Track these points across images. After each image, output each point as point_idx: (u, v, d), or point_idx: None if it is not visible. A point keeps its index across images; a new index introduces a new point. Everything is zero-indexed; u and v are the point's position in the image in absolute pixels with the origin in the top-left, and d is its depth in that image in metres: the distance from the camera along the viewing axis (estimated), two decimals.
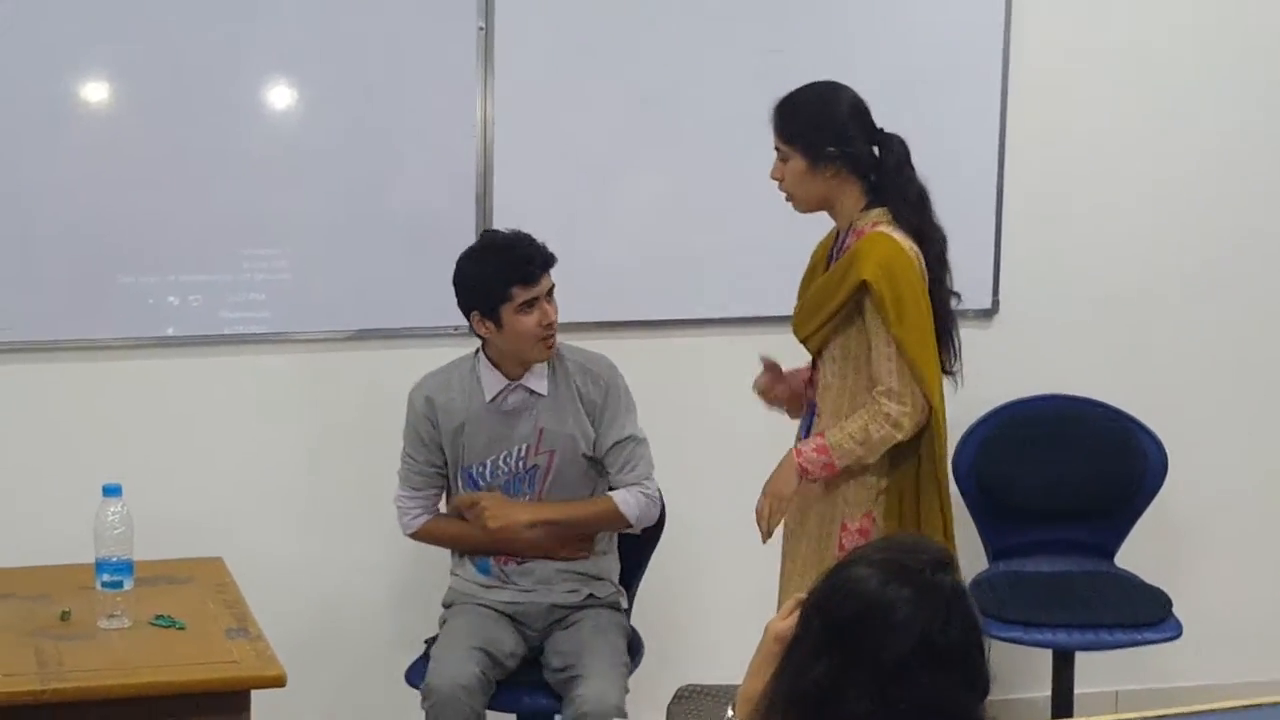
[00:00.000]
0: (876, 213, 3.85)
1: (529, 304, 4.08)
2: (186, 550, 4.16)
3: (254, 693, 3.42)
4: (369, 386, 4.74)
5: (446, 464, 4.27)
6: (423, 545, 4.42)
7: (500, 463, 4.24)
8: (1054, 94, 5.20)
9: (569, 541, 4.26)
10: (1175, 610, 4.77)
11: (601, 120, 4.80)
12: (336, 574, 4.77)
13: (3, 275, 4.41)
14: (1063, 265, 5.28)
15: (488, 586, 4.26)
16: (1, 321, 4.42)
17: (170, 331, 4.59)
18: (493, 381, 4.21)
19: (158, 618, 3.60)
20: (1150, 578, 4.94)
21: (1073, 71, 5.20)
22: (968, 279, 5.11)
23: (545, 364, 4.20)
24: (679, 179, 4.90)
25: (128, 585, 3.66)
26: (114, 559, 3.66)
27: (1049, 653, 4.80)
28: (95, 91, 4.49)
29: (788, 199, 3.91)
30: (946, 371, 3.98)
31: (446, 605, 4.31)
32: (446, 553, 4.42)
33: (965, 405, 5.00)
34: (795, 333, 4.00)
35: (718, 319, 4.97)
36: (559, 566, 4.25)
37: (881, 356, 3.80)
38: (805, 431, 4.01)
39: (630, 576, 4.47)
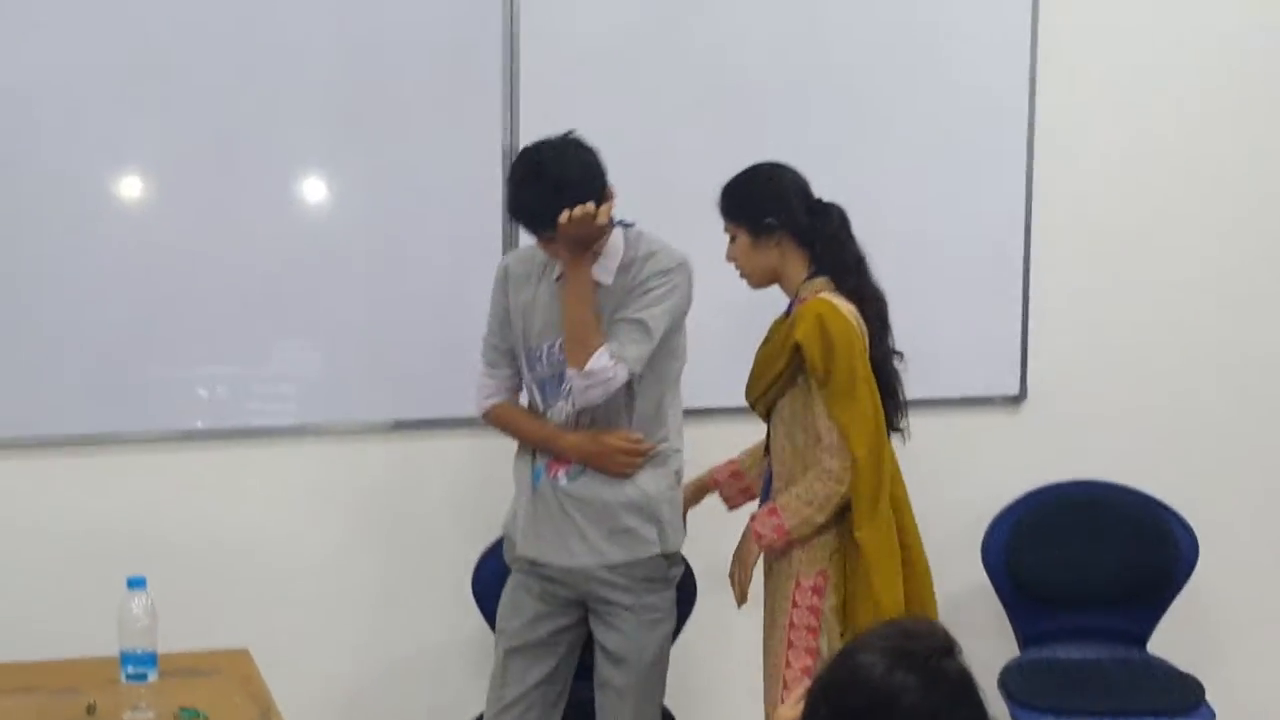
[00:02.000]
0: (819, 281, 4.04)
1: None
2: (213, 643, 4.16)
3: None
4: (400, 478, 4.76)
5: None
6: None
7: (557, 350, 4.08)
8: (1082, 173, 5.24)
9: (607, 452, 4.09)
10: (1208, 697, 4.73)
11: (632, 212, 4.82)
12: (365, 667, 4.77)
13: (29, 367, 4.43)
14: (1092, 351, 5.29)
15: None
16: (28, 415, 4.45)
17: (198, 425, 4.61)
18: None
19: (183, 710, 3.59)
20: (1183, 664, 4.90)
21: (1102, 149, 5.24)
22: (995, 365, 5.20)
23: (620, 254, 4.05)
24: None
25: (152, 677, 3.67)
26: (138, 651, 3.66)
27: None
28: (125, 185, 4.53)
29: (741, 276, 4.10)
30: (893, 428, 4.11)
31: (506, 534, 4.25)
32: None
33: (994, 491, 5.01)
34: (746, 398, 4.17)
35: None
36: (605, 490, 4.10)
37: (820, 414, 3.95)
38: (765, 496, 4.16)
39: None
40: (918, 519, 4.13)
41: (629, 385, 4.03)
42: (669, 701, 4.37)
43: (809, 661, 3.99)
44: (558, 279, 4.08)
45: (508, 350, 4.19)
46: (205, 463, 4.61)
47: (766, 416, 4.12)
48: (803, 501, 3.96)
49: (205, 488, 4.62)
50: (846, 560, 4.00)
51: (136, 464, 4.52)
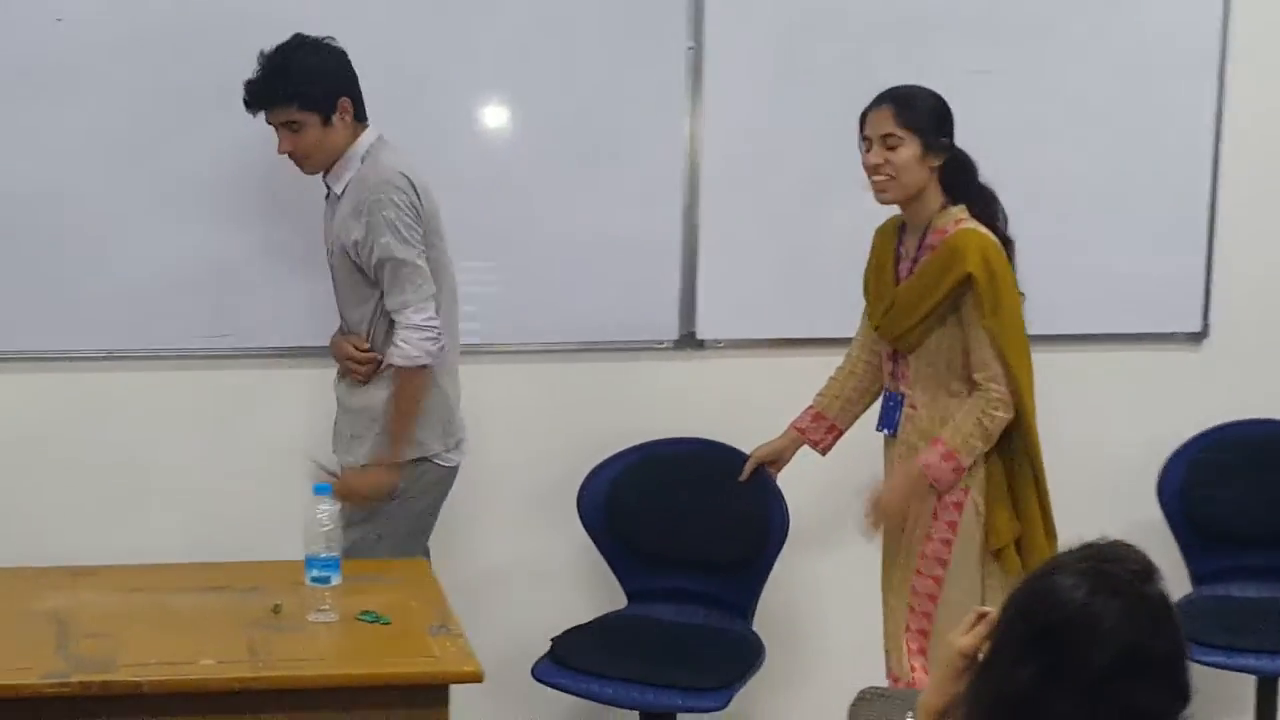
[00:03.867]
0: (956, 210, 4.01)
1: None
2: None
3: (452, 687, 3.49)
4: (579, 400, 4.83)
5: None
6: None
7: (332, 258, 4.28)
8: (1272, 109, 5.14)
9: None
10: None
11: (809, 138, 4.82)
12: (535, 580, 4.87)
13: (264, 283, 4.60)
14: (1277, 288, 5.19)
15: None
16: (264, 329, 4.62)
17: None
18: None
19: (363, 613, 3.68)
20: None
21: None
22: (1176, 301, 5.13)
23: (355, 169, 4.18)
24: None
25: (335, 581, 3.77)
26: (322, 555, 3.76)
27: (1252, 679, 4.72)
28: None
29: (881, 188, 4.01)
30: None
31: None
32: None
33: (1172, 428, 4.96)
34: (882, 332, 4.12)
35: None
36: (346, 395, 4.31)
37: (983, 344, 3.93)
38: (890, 421, 4.15)
39: (754, 583, 4.56)
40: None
41: (364, 290, 4.17)
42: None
43: (939, 572, 4.02)
44: (326, 197, 4.24)
45: None
46: None
47: (912, 350, 4.08)
48: (977, 438, 3.95)
49: None
50: (982, 478, 4.01)
51: (324, 377, 4.60)
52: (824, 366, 4.43)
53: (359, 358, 4.22)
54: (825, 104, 4.76)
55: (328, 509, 3.76)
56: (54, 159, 4.48)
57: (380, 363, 4.20)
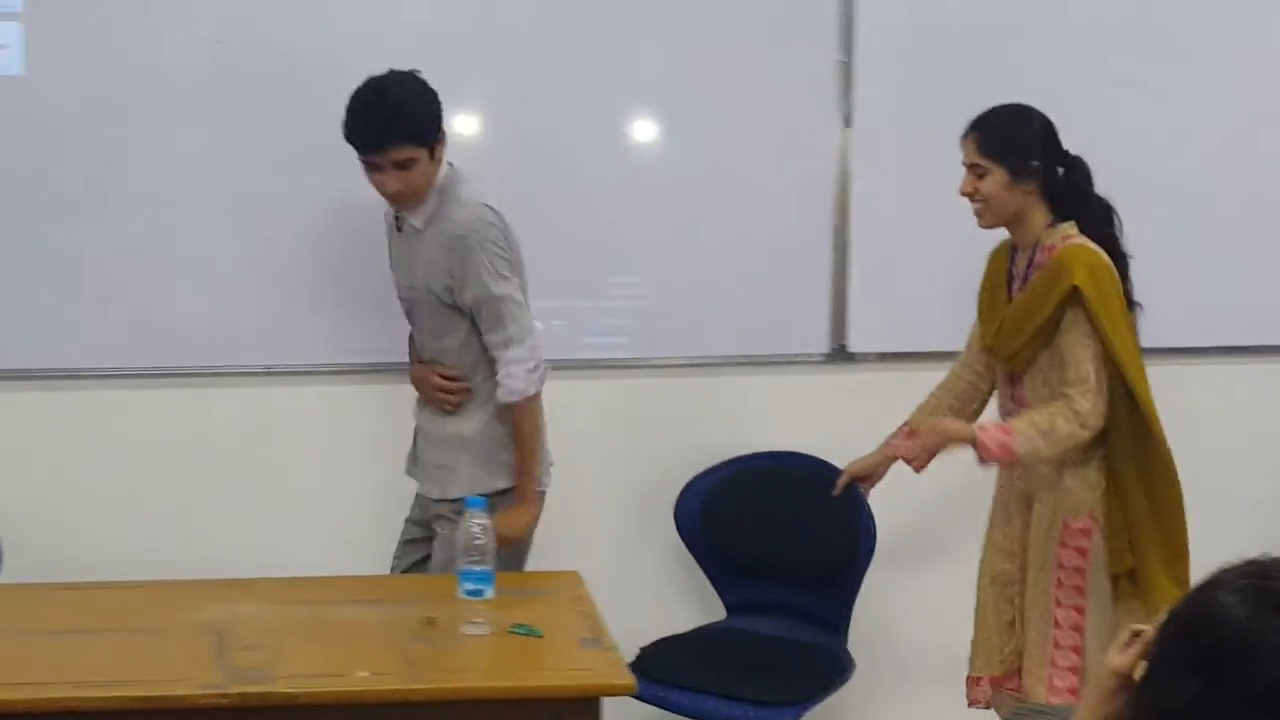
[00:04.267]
0: (1065, 227, 3.97)
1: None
2: (544, 564, 4.28)
3: (604, 700, 3.50)
4: (727, 411, 4.83)
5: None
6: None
7: (406, 290, 4.27)
8: None
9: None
10: None
11: (958, 150, 4.77)
12: (677, 591, 4.86)
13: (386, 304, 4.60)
14: None
15: None
16: (383, 344, 4.59)
17: None
18: None
19: (516, 626, 3.71)
20: None
21: None
22: None
23: (435, 202, 4.12)
24: None
25: (488, 594, 3.79)
26: (476, 569, 3.79)
27: None
28: (470, 123, 4.67)
29: (977, 212, 4.01)
30: None
31: None
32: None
33: None
34: (995, 352, 4.09)
35: None
36: (433, 424, 4.28)
37: (1080, 357, 3.88)
38: None
39: (845, 599, 4.56)
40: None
41: (453, 321, 4.14)
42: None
43: (1080, 601, 3.97)
44: (399, 229, 4.20)
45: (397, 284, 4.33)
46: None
47: (1024, 369, 4.03)
48: (1038, 431, 3.88)
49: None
50: (1110, 503, 3.95)
51: None
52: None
53: (450, 387, 4.20)
54: (975, 114, 4.73)
55: (481, 523, 3.79)
56: (204, 172, 4.56)
57: (469, 390, 4.20)
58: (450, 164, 4.15)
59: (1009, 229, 4.05)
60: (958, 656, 4.19)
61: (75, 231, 4.53)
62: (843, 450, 4.53)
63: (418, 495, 4.36)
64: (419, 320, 4.26)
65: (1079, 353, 3.88)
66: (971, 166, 3.99)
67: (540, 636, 3.67)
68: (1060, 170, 3.97)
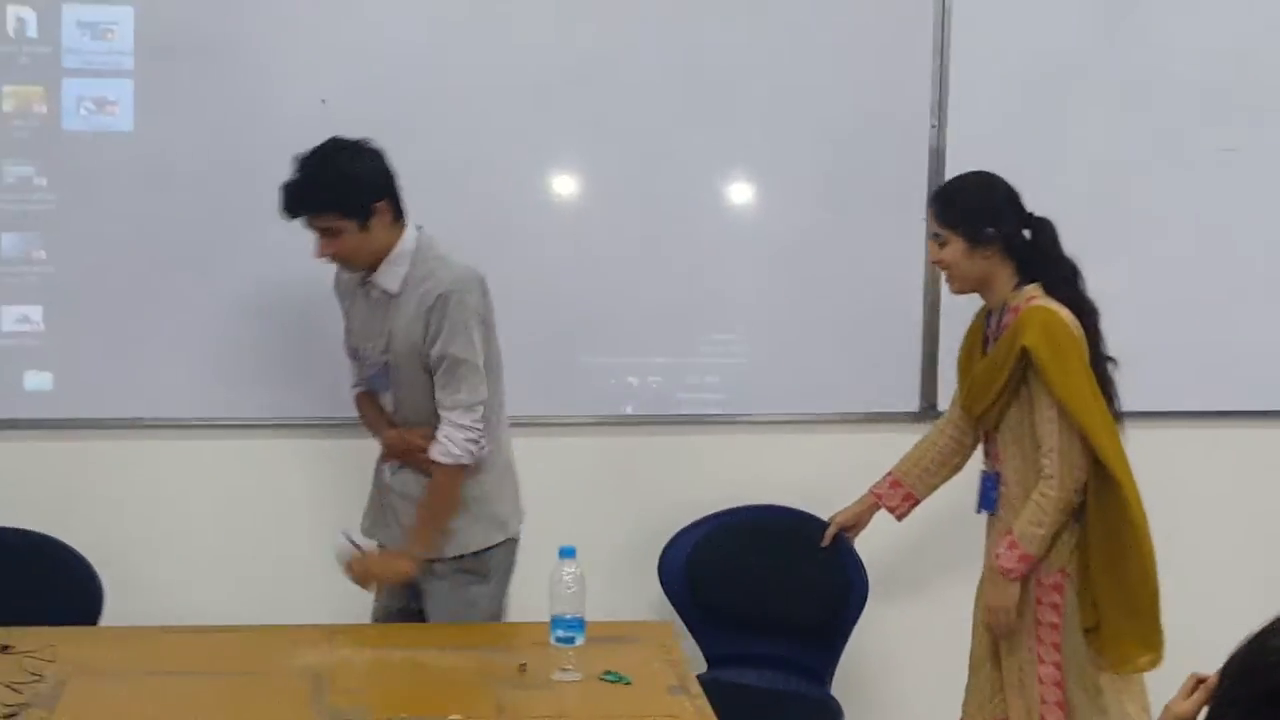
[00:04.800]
0: (1030, 288, 4.04)
1: None
2: (635, 614, 4.34)
3: None
4: (818, 467, 4.86)
5: None
6: None
7: (374, 354, 4.21)
8: None
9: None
10: None
11: (1048, 210, 4.82)
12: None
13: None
14: None
15: None
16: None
17: (629, 410, 4.81)
18: None
19: (606, 673, 3.76)
20: None
21: None
22: None
23: (409, 263, 4.10)
24: (1138, 274, 4.92)
25: (579, 641, 3.86)
26: (568, 616, 3.86)
27: None
28: (567, 184, 4.79)
29: (946, 279, 4.12)
30: None
31: None
32: None
33: None
34: (969, 411, 4.19)
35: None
36: (416, 486, 4.22)
37: (1044, 420, 3.96)
38: (988, 502, 4.18)
39: (833, 648, 4.58)
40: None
41: (428, 386, 4.11)
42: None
43: (1057, 657, 4.04)
44: (363, 287, 4.18)
45: (353, 347, 4.30)
46: (631, 446, 4.83)
47: (995, 427, 4.12)
48: (1035, 524, 3.97)
49: (628, 469, 4.84)
50: (1081, 558, 4.01)
51: (572, 445, 4.76)
52: None
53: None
54: (1069, 179, 4.79)
55: (572, 572, 3.85)
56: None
57: None
58: (419, 227, 4.14)
59: (979, 292, 4.13)
60: (946, 702, 4.28)
61: (183, 282, 4.65)
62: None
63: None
64: (398, 383, 4.19)
65: (1042, 414, 3.97)
66: (934, 236, 4.10)
67: (630, 684, 3.73)
68: (1026, 233, 4.05)
